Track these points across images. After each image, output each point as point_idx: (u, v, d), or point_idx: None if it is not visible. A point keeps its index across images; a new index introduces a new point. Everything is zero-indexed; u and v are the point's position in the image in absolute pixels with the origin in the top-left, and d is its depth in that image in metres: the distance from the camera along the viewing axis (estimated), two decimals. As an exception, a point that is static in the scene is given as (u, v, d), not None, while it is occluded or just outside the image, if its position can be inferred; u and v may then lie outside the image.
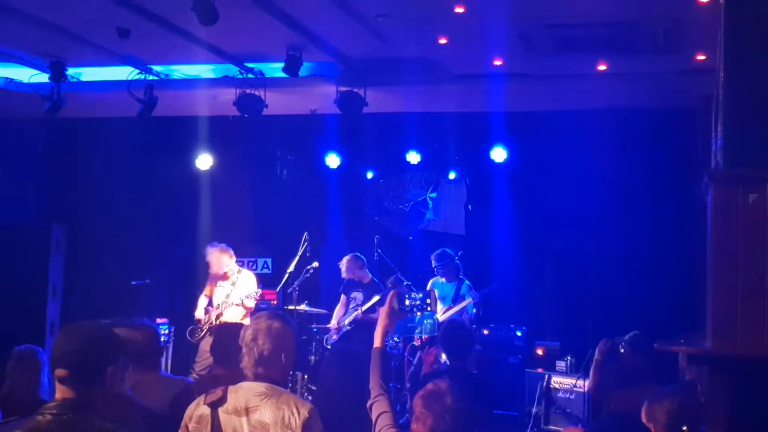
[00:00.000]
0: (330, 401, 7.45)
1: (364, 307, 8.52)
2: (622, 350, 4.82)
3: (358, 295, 8.73)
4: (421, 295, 3.55)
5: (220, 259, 8.43)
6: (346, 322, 8.67)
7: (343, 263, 8.75)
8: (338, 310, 8.89)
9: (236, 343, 4.10)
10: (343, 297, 8.88)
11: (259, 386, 3.21)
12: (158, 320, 8.70)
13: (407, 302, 3.55)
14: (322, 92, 8.45)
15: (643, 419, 3.44)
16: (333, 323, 8.84)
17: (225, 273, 8.47)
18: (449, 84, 8.28)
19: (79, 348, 2.72)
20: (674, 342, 4.12)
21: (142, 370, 4.14)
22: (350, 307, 8.74)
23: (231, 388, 3.22)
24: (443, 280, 8.74)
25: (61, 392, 2.73)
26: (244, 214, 10.23)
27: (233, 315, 8.28)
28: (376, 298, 8.40)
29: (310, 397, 8.26)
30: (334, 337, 8.75)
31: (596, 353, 5.22)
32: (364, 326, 8.42)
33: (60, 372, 2.72)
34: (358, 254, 8.79)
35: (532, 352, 8.79)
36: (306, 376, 8.63)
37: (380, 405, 3.27)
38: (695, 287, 4.19)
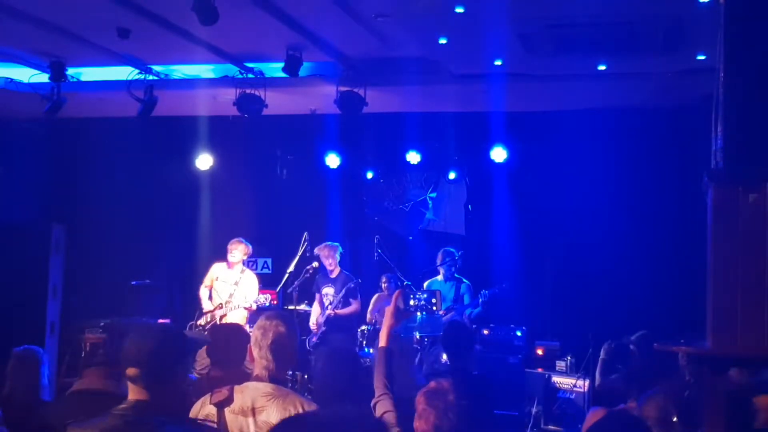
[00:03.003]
0: (327, 401, 7.45)
1: (341, 311, 8.71)
2: (632, 347, 4.84)
3: (329, 291, 8.83)
4: (426, 295, 3.57)
5: (241, 249, 8.56)
6: (322, 320, 8.77)
7: (319, 250, 8.78)
8: (315, 309, 9.00)
9: (232, 345, 4.10)
10: (317, 296, 8.99)
11: (266, 386, 3.20)
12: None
13: (412, 302, 3.57)
14: (322, 92, 8.45)
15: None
16: (312, 325, 8.90)
17: (233, 263, 8.55)
18: (449, 84, 8.29)
19: (151, 348, 2.72)
20: (674, 342, 4.12)
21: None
22: (325, 304, 8.84)
23: (237, 387, 3.21)
24: (441, 279, 8.76)
25: (133, 393, 2.73)
26: (244, 214, 10.23)
27: (237, 317, 8.30)
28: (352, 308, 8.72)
29: (309, 397, 8.26)
30: (314, 339, 8.80)
31: (602, 353, 5.25)
32: (337, 321, 8.67)
33: (131, 371, 2.71)
34: (332, 243, 8.90)
35: (532, 352, 8.77)
36: (306, 376, 8.62)
37: (384, 404, 3.29)
38: (695, 287, 4.19)
